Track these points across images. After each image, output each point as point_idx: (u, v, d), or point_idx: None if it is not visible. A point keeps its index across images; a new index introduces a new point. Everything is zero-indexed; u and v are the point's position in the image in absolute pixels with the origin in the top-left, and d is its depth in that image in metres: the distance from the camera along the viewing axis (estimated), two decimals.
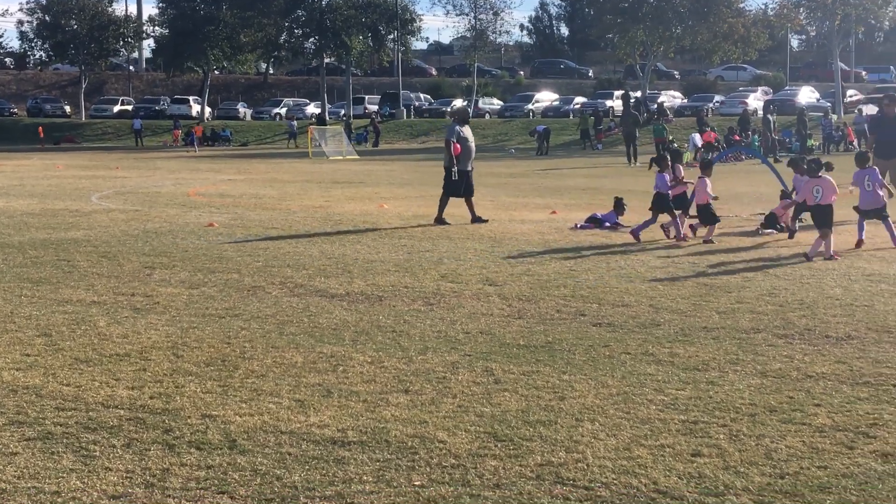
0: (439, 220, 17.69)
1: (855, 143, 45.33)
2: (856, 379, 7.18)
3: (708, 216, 15.07)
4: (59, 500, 5.10)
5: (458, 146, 17.82)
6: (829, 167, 13.74)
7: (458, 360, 7.84)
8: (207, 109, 77.32)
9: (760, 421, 6.25)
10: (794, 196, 15.48)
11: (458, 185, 17.89)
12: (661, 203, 15.36)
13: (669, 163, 16.13)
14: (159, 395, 6.90)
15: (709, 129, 44.86)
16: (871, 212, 14.12)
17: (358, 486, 5.23)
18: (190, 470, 5.48)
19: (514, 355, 8.00)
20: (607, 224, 16.83)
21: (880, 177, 14.54)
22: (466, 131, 18.22)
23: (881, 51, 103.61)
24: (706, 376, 7.31)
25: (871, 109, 44.73)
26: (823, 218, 13.16)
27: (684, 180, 15.96)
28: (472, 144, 18.28)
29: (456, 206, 17.79)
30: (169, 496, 5.13)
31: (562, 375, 7.37)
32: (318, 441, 5.93)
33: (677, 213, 15.33)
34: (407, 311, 9.86)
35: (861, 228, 14.06)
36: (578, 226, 16.89)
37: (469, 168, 18.03)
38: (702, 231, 15.27)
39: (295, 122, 63.78)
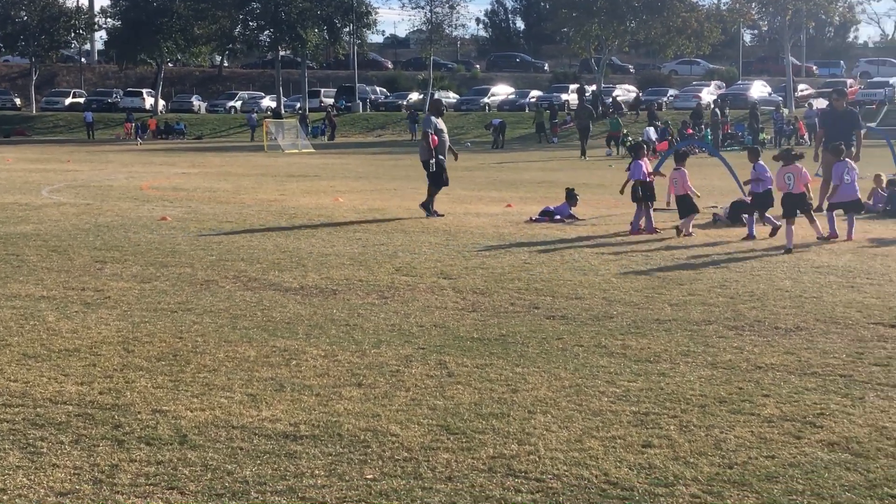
0: (430, 212, 17.75)
1: (806, 136, 45.90)
2: (804, 369, 7.28)
3: (687, 207, 15.12)
4: (6, 497, 5.03)
5: (436, 138, 17.82)
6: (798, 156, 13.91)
7: (412, 354, 7.84)
8: (161, 102, 76.59)
9: (710, 412, 6.31)
10: (748, 186, 15.64)
11: (440, 176, 17.90)
12: (637, 191, 15.53)
13: (646, 151, 16.37)
14: (109, 391, 6.83)
15: (660, 124, 45.17)
16: (848, 204, 14.27)
17: (310, 481, 5.21)
18: (139, 465, 5.43)
19: (468, 348, 8.02)
20: (558, 217, 16.89)
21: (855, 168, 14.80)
22: (441, 123, 18.24)
23: (831, 45, 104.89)
24: (658, 368, 7.37)
25: (821, 103, 45.29)
26: (794, 206, 13.31)
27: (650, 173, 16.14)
28: (446, 136, 18.34)
29: (412, 199, 17.78)
30: (118, 492, 5.08)
31: (515, 368, 7.39)
32: (270, 435, 5.91)
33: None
34: (361, 304, 9.84)
35: (832, 221, 14.18)
36: (533, 219, 16.94)
37: (442, 158, 18.02)
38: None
39: (255, 115, 63.31)
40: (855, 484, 5.12)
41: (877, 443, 5.70)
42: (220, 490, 5.10)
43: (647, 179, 15.68)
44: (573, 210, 17.28)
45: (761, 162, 14.91)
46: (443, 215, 17.60)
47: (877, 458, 5.48)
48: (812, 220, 13.71)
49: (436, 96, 70.91)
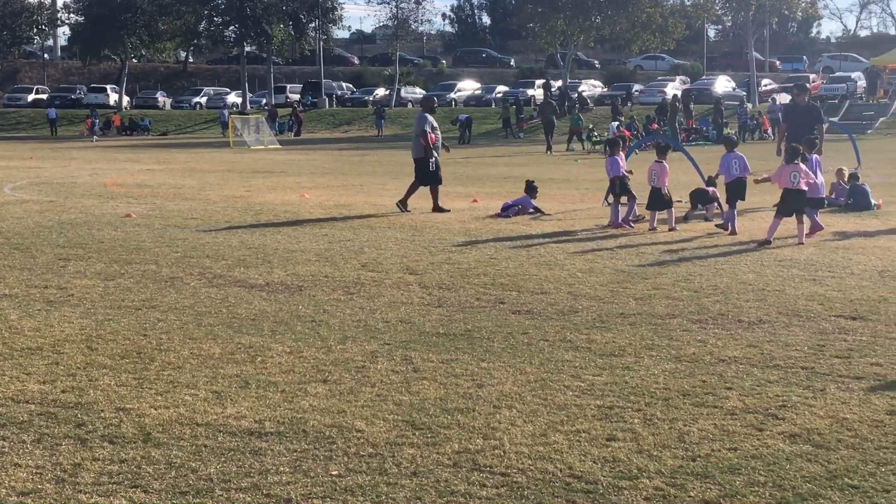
0: (402, 205, 17.79)
1: (769, 131, 46.27)
2: (766, 362, 7.35)
3: (657, 201, 15.10)
4: None
5: (433, 136, 17.91)
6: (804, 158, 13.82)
7: (378, 349, 7.84)
8: (125, 98, 75.95)
9: (674, 405, 6.36)
10: (717, 177, 15.71)
11: (433, 174, 17.92)
12: (621, 187, 15.71)
13: (622, 146, 16.67)
14: (72, 389, 6.77)
15: (624, 119, 45.32)
16: (812, 202, 14.33)
17: (274, 477, 5.20)
18: (102, 464, 5.39)
19: (434, 343, 8.03)
20: (520, 206, 16.93)
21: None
22: (434, 121, 18.31)
23: (794, 41, 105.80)
24: (622, 362, 7.42)
25: (784, 98, 45.68)
26: (793, 207, 13.28)
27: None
28: (439, 132, 18.44)
29: (379, 195, 17.73)
30: (80, 491, 5.05)
31: (480, 363, 7.41)
32: (235, 432, 5.89)
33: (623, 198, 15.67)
34: (327, 300, 9.82)
35: (811, 214, 14.24)
36: (497, 215, 16.97)
37: (437, 156, 18.09)
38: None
39: (227, 111, 62.69)
40: (816, 475, 5.17)
41: (837, 434, 5.77)
42: (184, 488, 5.08)
43: (623, 174, 15.78)
44: (535, 202, 17.30)
45: (735, 152, 14.94)
46: (410, 211, 17.58)
47: (837, 449, 5.54)
48: (800, 222, 13.38)
49: (402, 92, 70.89)
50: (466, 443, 5.69)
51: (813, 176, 13.74)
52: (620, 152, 16.46)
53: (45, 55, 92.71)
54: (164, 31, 73.95)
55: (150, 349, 7.89)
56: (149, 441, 5.75)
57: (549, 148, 40.68)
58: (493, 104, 66.17)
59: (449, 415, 6.19)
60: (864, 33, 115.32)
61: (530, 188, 17.60)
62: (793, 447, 5.58)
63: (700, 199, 16.09)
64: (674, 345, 7.89)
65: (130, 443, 5.72)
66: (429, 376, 7.06)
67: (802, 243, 13.08)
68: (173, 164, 34.68)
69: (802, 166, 13.61)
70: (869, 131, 46.73)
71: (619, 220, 15.34)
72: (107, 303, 9.73)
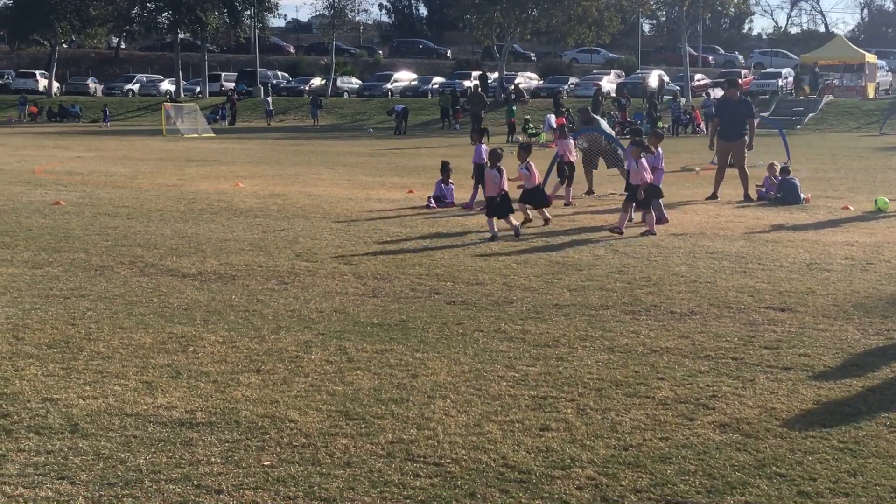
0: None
1: (702, 125, 46.81)
2: (697, 353, 7.43)
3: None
4: None
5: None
6: None
7: (312, 339, 7.79)
8: (56, 84, 74.46)
9: (607, 395, 6.40)
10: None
11: None
12: (480, 173, 16.27)
13: (486, 136, 17.56)
14: None
15: (565, 111, 45.50)
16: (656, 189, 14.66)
17: (205, 468, 5.14)
18: (28, 455, 5.28)
19: (368, 334, 7.99)
20: (439, 202, 17.10)
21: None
22: None
23: (727, 36, 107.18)
24: (556, 352, 7.45)
25: (718, 93, 46.20)
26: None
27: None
28: None
29: (314, 185, 17.49)
30: (5, 483, 4.93)
31: (415, 353, 7.39)
32: (165, 423, 5.80)
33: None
34: (260, 290, 9.73)
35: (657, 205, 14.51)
36: (432, 205, 16.98)
37: None
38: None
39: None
40: (745, 464, 5.24)
41: (766, 423, 5.85)
42: (112, 479, 4.99)
43: (484, 162, 16.25)
44: (451, 183, 17.59)
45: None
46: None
47: (766, 438, 5.62)
48: (648, 211, 13.76)
49: (338, 82, 70.39)
50: (400, 433, 5.67)
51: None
52: (482, 142, 17.29)
53: None
54: (95, 16, 72.62)
55: (79, 339, 7.75)
56: (76, 432, 5.64)
57: (473, 139, 40.77)
58: (430, 95, 66.05)
59: (383, 405, 6.17)
60: (794, 30, 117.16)
61: (443, 169, 17.73)
62: (722, 436, 5.64)
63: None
64: (607, 335, 7.95)
65: (57, 434, 5.61)
66: (363, 366, 7.03)
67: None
68: (104, 151, 34.12)
69: (644, 161, 13.80)
70: (798, 127, 47.53)
71: (472, 202, 16.49)
72: (34, 291, 9.53)
